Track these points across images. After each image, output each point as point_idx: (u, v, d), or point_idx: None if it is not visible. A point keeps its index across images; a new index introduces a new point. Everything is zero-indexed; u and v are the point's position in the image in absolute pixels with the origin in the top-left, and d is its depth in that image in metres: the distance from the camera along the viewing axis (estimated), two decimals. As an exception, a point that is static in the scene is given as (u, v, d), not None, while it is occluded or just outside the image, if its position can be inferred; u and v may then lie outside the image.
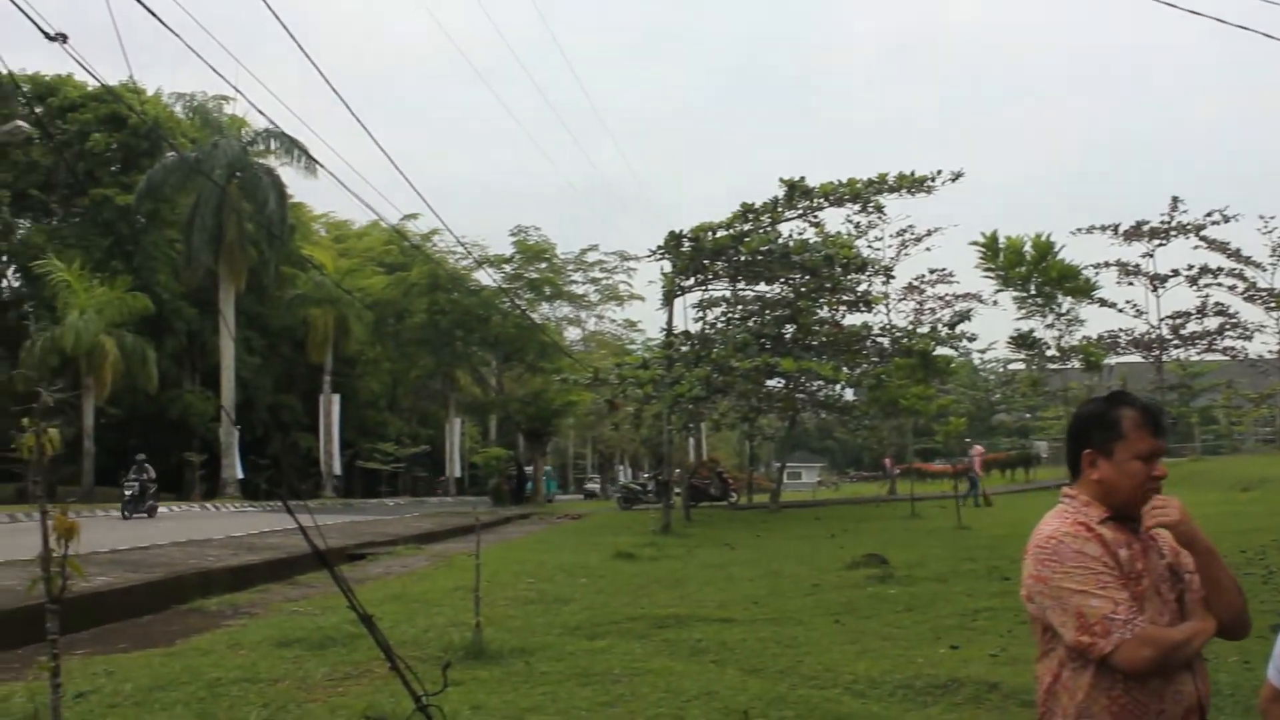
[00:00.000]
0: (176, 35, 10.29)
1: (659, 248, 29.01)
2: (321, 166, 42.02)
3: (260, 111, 41.23)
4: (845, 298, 31.13)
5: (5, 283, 54.49)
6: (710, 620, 10.43)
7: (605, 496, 70.14)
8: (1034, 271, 16.69)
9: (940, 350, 29.96)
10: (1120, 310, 44.92)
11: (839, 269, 29.20)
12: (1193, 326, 46.18)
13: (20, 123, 35.35)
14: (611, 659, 8.32)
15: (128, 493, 30.09)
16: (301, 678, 7.72)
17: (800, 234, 29.89)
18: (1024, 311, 19.71)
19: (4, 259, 52.49)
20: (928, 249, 34.80)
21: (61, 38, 7.30)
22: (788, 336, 31.38)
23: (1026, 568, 2.81)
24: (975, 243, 16.84)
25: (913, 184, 28.28)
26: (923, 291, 44.45)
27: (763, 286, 31.81)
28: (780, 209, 28.87)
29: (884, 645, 8.94)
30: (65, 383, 35.14)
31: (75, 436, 39.75)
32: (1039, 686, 2.85)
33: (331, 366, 56.43)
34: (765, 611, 11.09)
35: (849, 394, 36.78)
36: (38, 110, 49.92)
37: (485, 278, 49.92)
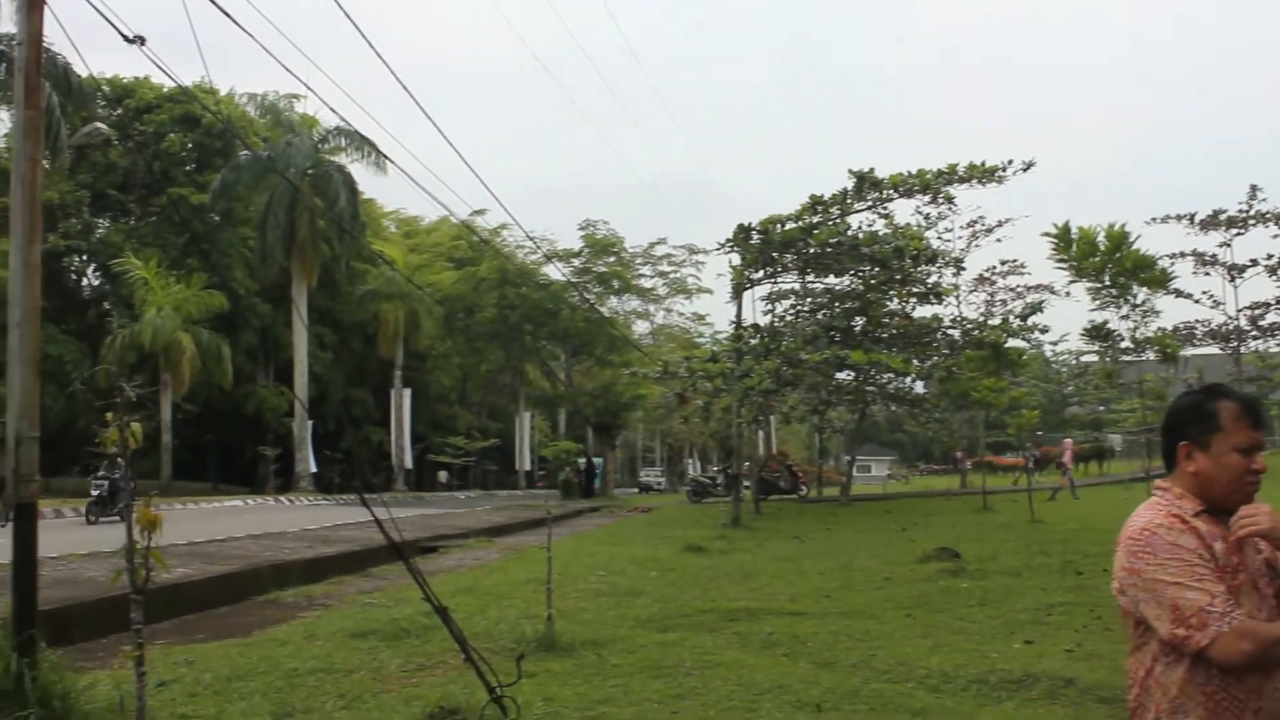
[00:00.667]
0: (250, 35, 10.43)
1: (728, 241, 28.92)
2: (391, 163, 42.35)
3: (332, 109, 41.84)
4: (915, 290, 30.82)
5: (85, 281, 55.55)
6: (781, 613, 10.41)
7: (673, 489, 69.98)
8: (1108, 262, 16.41)
9: (1012, 342, 29.54)
10: (1197, 301, 44.02)
11: (909, 261, 28.91)
12: (1272, 317, 45.10)
13: (99, 125, 36.04)
14: (683, 652, 8.33)
15: (94, 493, 25.45)
16: (376, 668, 7.81)
17: (870, 226, 29.67)
18: (1098, 303, 19.37)
19: (84, 258, 53.51)
20: (998, 240, 34.42)
21: (140, 40, 7.44)
22: (857, 329, 31.17)
23: (1118, 560, 2.75)
24: (1047, 234, 16.58)
25: (983, 174, 27.92)
26: (994, 283, 43.88)
27: (832, 279, 31.61)
28: (849, 201, 28.65)
29: (957, 639, 8.87)
30: (143, 378, 35.75)
31: (154, 431, 40.45)
32: (1130, 682, 2.78)
33: (402, 361, 56.92)
34: (836, 605, 11.05)
35: (919, 386, 36.41)
36: (116, 112, 50.86)
37: (554, 272, 50.13)
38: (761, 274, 30.06)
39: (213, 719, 6.31)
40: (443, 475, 60.88)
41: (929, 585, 12.26)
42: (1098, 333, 19.53)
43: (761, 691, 6.93)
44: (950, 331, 31.90)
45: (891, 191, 28.71)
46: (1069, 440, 37.09)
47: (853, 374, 32.52)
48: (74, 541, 16.02)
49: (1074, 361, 64.43)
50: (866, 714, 6.46)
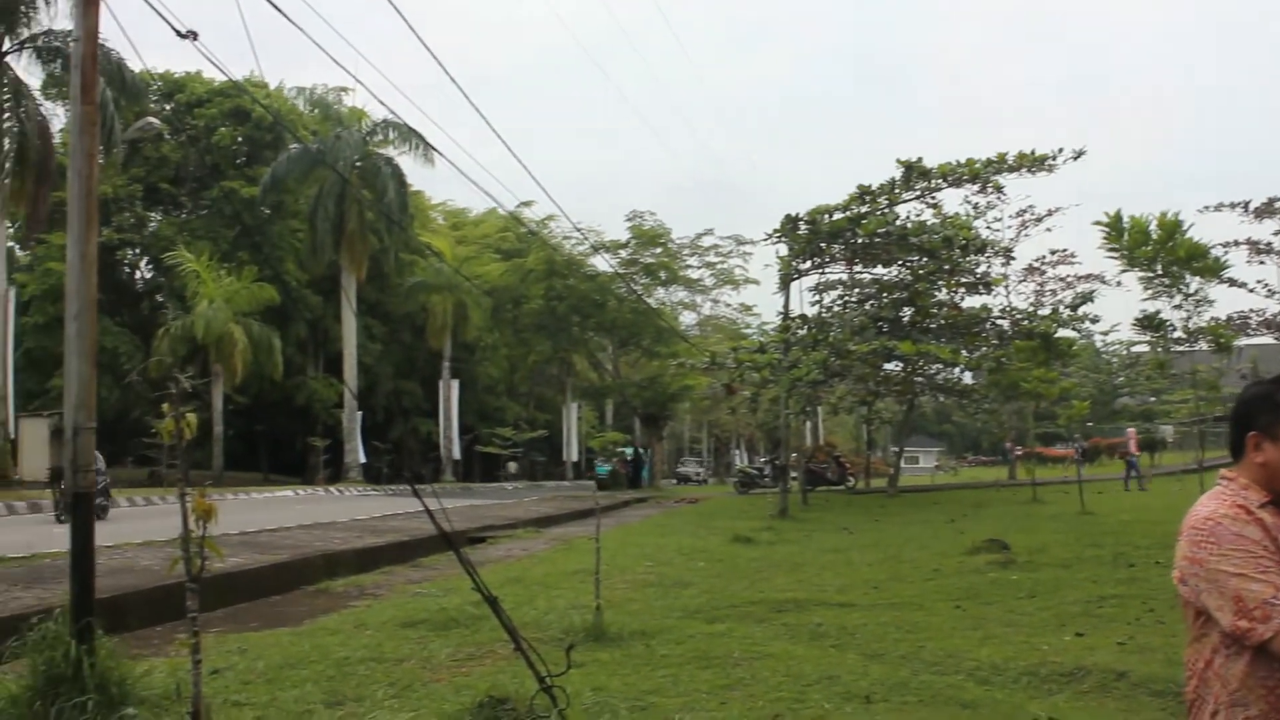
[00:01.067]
0: (299, 28, 10.51)
1: (775, 231, 28.85)
2: (440, 154, 42.57)
3: (381, 102, 41.96)
4: (964, 280, 30.62)
5: (138, 274, 56.23)
6: (830, 605, 10.39)
7: (718, 480, 69.90)
8: (1160, 251, 16.21)
9: (1062, 332, 29.32)
10: (1251, 290, 43.38)
11: (958, 251, 28.73)
12: (1329, 307, 44.48)
13: (152, 119, 36.41)
14: (731, 642, 8.34)
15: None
16: (426, 658, 7.87)
17: (918, 216, 29.51)
18: (1149, 292, 19.17)
19: (137, 251, 54.15)
20: (1048, 229, 34.08)
21: (192, 35, 7.52)
22: (906, 319, 31.00)
23: (1180, 549, 2.71)
24: (1099, 222, 16.40)
25: (1033, 163, 27.68)
26: (1043, 273, 43.50)
27: (880, 269, 31.44)
28: (897, 191, 28.50)
29: (1007, 632, 8.82)
30: (195, 370, 36.18)
31: (206, 422, 40.90)
32: (1189, 673, 2.74)
33: (450, 352, 57.20)
34: (885, 596, 11.01)
35: (968, 377, 36.18)
36: (168, 107, 51.38)
37: (601, 263, 50.19)
38: (809, 265, 29.96)
39: (265, 706, 6.38)
40: (512, 466, 61.13)
41: (978, 577, 12.19)
42: (1150, 322, 19.30)
43: (810, 682, 6.92)
44: (999, 322, 31.68)
45: (940, 181, 28.53)
46: (1133, 430, 36.73)
47: (901, 365, 32.35)
48: (128, 531, 16.26)
49: (1125, 352, 63.76)
50: (916, 706, 6.44)
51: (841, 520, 23.59)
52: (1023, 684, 6.98)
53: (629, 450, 53.45)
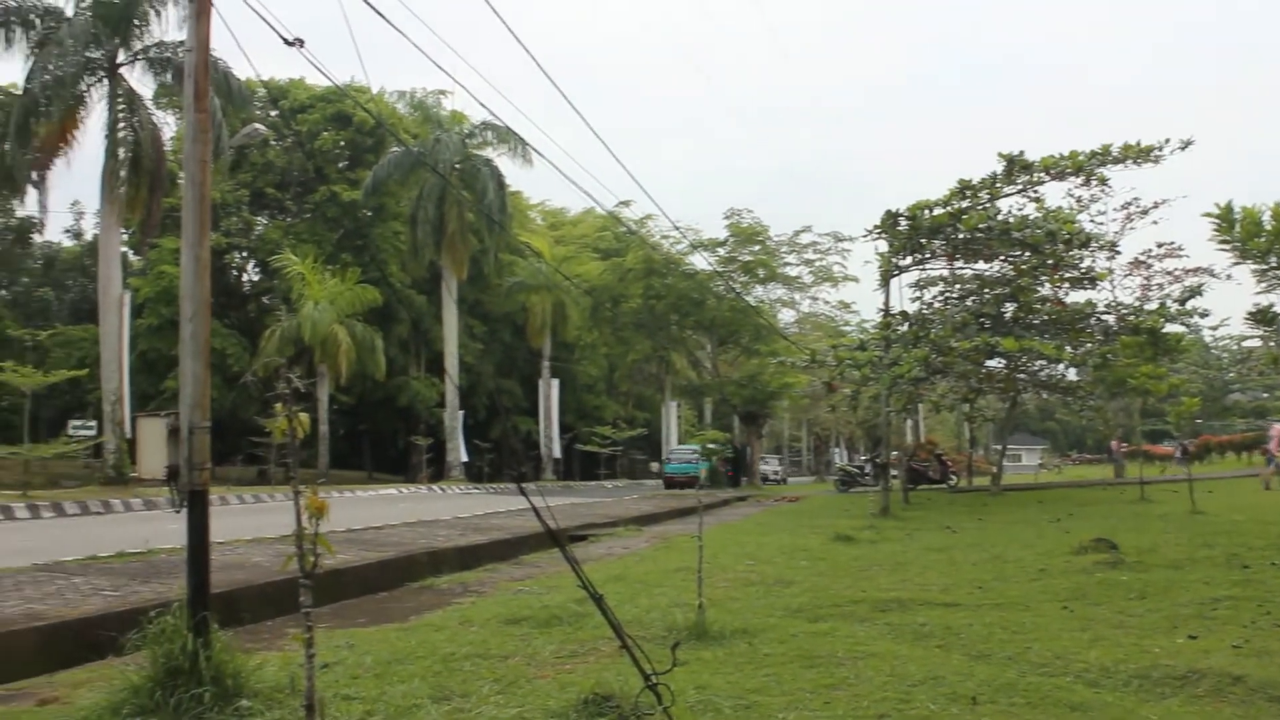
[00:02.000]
0: (400, 32, 10.66)
1: (875, 227, 28.62)
2: (539, 154, 42.92)
3: (482, 104, 42.26)
4: (1068, 274, 30.07)
5: (245, 276, 57.49)
6: (934, 604, 10.28)
7: (816, 478, 69.40)
8: (1275, 243, 15.80)
9: (1170, 327, 28.68)
10: (1371, 282, 42.12)
11: (1061, 245, 28.24)
12: None
13: (258, 126, 37.22)
14: (834, 642, 8.29)
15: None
16: (530, 654, 7.93)
17: (1020, 210, 29.06)
18: (1263, 286, 18.67)
19: (244, 254, 55.37)
20: (1154, 222, 33.16)
21: (299, 42, 7.67)
22: (1008, 315, 30.56)
23: None
24: (1208, 214, 16.03)
25: (1138, 154, 27.11)
26: (1150, 266, 42.48)
27: (981, 265, 31.02)
28: (999, 185, 28.11)
29: (1116, 633, 8.65)
30: (301, 370, 36.88)
31: (312, 421, 41.65)
32: None
33: (550, 351, 57.65)
34: (990, 596, 10.86)
35: (1072, 374, 35.51)
36: (273, 113, 52.47)
37: (700, 261, 50.20)
38: (909, 260, 29.67)
39: (374, 700, 6.48)
40: (654, 465, 61.42)
41: (1085, 577, 11.97)
42: (1263, 316, 18.79)
43: (915, 683, 6.86)
44: (1105, 317, 31.06)
45: (1042, 174, 28.09)
46: (1278, 426, 35.74)
47: (1003, 362, 31.89)
48: (238, 527, 16.62)
49: (1236, 347, 62.20)
50: (1024, 708, 6.35)
51: (944, 519, 23.32)
52: (1134, 687, 6.84)
53: (703, 448, 52.84)
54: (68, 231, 67.73)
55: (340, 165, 55.31)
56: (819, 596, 10.88)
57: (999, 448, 43.40)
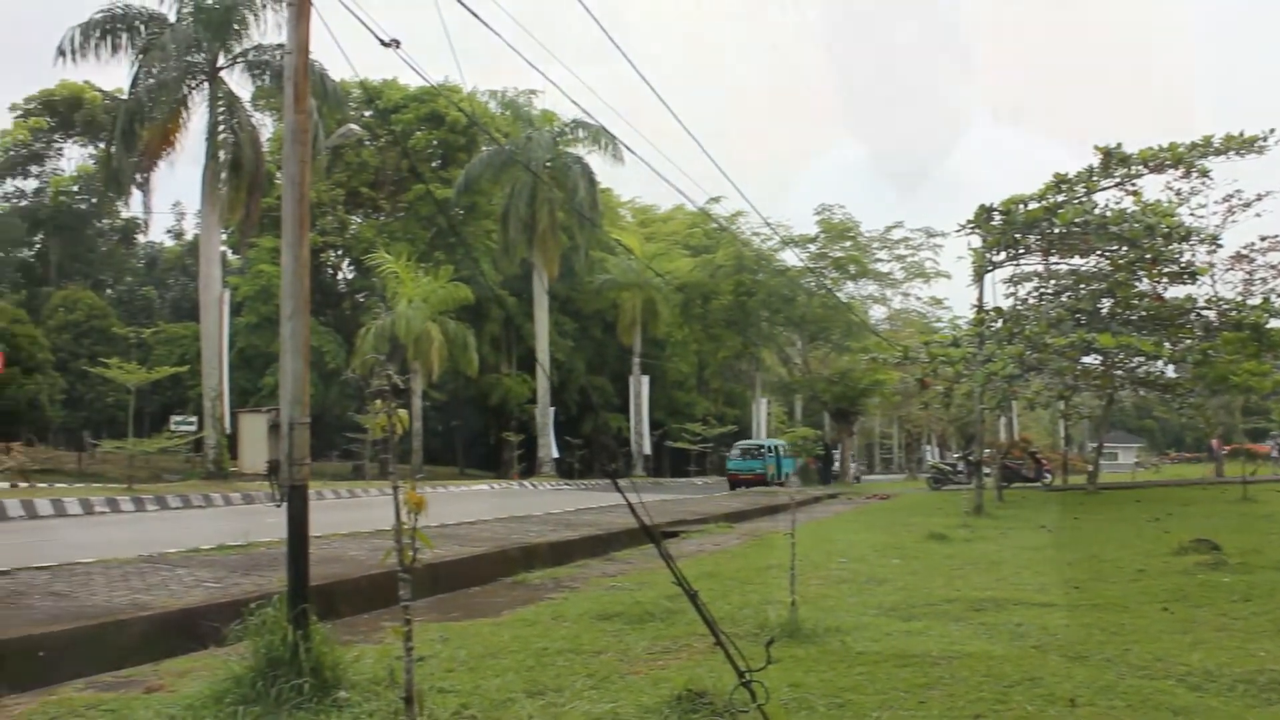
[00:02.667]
0: (494, 31, 10.76)
1: (968, 223, 28.32)
2: (631, 151, 42.99)
3: (575, 102, 42.46)
4: (1167, 269, 29.46)
5: (340, 275, 58.38)
6: (1029, 604, 10.14)
7: (908, 476, 68.71)
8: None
9: (1274, 323, 27.97)
10: None
11: (1160, 239, 27.68)
12: None
13: (352, 126, 37.81)
14: (928, 641, 8.22)
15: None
16: (623, 650, 7.96)
17: (1117, 204, 28.54)
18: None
19: (339, 253, 56.24)
20: (1258, 215, 32.30)
21: (395, 43, 7.77)
22: (1105, 311, 30.03)
23: None
24: (1317, 207, 15.65)
25: (1241, 145, 26.52)
26: (1253, 260, 41.47)
27: (1077, 260, 30.53)
28: (1095, 178, 27.65)
29: (1219, 636, 8.46)
30: (395, 367, 37.40)
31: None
32: None
33: (640, 348, 57.75)
34: (1087, 597, 10.70)
35: (1171, 370, 34.79)
36: (367, 114, 53.25)
37: (791, 258, 50.00)
38: (1003, 256, 29.30)
39: (469, 694, 6.55)
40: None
41: (1186, 578, 11.73)
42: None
43: (1011, 684, 6.78)
44: (1205, 312, 30.37)
45: (1140, 167, 27.59)
46: None
47: (1100, 358, 31.35)
48: (334, 522, 16.89)
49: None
50: (1124, 711, 6.24)
51: (1039, 518, 22.99)
52: (1239, 692, 6.69)
53: (771, 444, 52.29)
54: (169, 232, 69.39)
55: (433, 164, 55.93)
56: (912, 595, 10.80)
57: (1095, 445, 42.69)
